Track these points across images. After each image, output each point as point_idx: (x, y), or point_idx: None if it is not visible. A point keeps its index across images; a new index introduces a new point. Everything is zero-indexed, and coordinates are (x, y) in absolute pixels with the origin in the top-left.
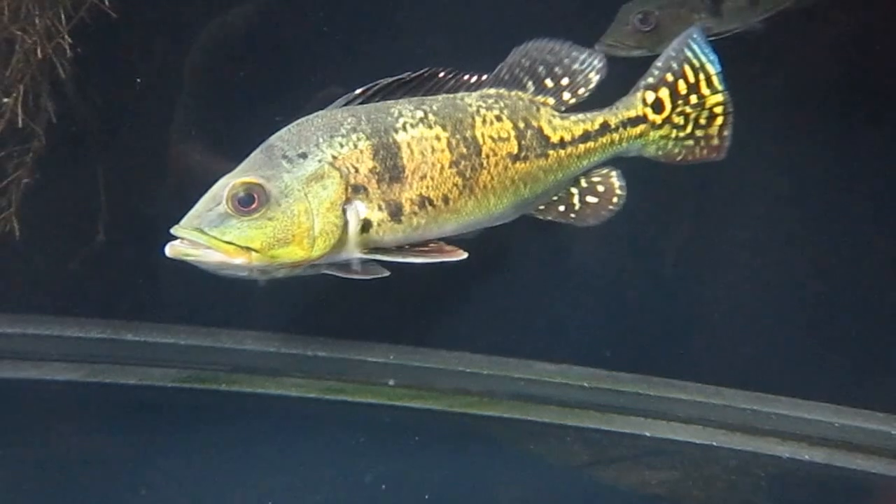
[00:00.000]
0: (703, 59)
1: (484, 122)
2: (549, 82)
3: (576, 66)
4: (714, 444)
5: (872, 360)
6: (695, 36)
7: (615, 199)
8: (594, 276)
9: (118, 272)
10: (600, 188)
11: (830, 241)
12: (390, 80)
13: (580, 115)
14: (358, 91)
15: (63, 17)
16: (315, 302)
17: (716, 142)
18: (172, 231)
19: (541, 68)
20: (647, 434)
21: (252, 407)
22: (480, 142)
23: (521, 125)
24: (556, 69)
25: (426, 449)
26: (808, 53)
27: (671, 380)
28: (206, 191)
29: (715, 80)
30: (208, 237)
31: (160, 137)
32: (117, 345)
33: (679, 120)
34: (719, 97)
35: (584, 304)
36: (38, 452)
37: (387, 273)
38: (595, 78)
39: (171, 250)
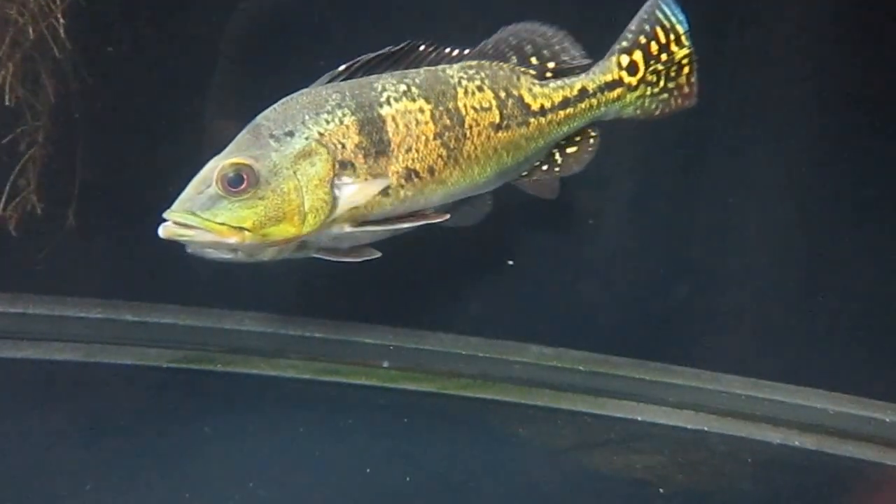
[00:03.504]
0: (674, 19)
1: (466, 92)
2: (534, 60)
3: (565, 56)
4: (706, 429)
5: (869, 347)
6: None
7: (591, 142)
8: (592, 261)
9: (119, 252)
10: (576, 137)
11: (825, 229)
12: (372, 55)
13: (559, 82)
14: (341, 67)
15: None
16: (313, 283)
17: (686, 90)
18: (165, 215)
19: (528, 47)
20: (639, 419)
21: (246, 387)
22: (463, 113)
23: (503, 94)
24: (545, 52)
25: (415, 431)
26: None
27: (668, 365)
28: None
29: (683, 38)
30: (201, 219)
31: (160, 116)
32: (117, 325)
33: (652, 78)
34: (686, 50)
35: (581, 288)
36: (35, 432)
37: (378, 254)
38: (580, 69)
39: (164, 231)
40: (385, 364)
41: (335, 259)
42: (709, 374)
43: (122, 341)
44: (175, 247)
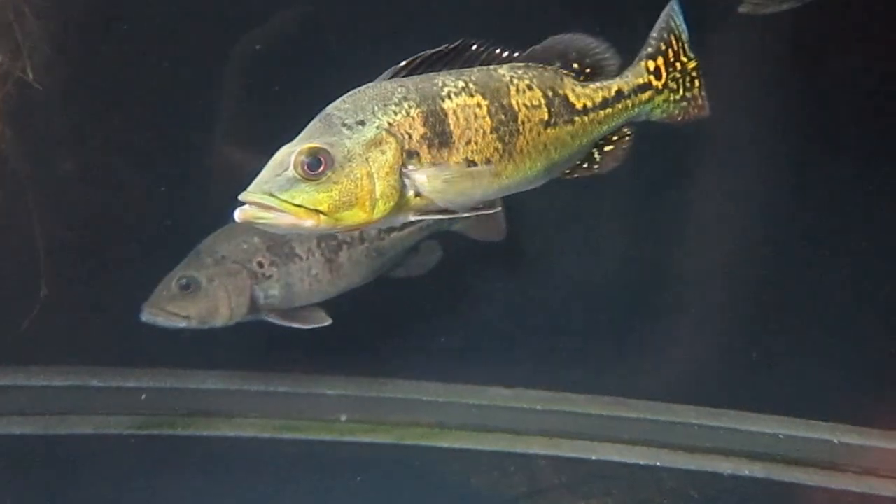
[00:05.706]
0: (681, 29)
1: (517, 90)
2: (575, 65)
3: (604, 60)
4: (658, 464)
5: (819, 369)
6: (675, 8)
7: (626, 139)
8: (543, 298)
9: (81, 318)
10: (613, 136)
11: (772, 257)
12: (430, 52)
13: (597, 84)
14: (403, 63)
15: None
16: (274, 336)
17: (700, 101)
18: (241, 197)
19: (573, 54)
20: (593, 458)
21: (207, 450)
22: (516, 109)
23: (550, 93)
24: (587, 59)
25: (371, 487)
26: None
27: (622, 398)
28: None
29: (686, 47)
30: (279, 201)
31: (112, 188)
32: (78, 392)
33: (673, 84)
34: (693, 63)
35: (536, 326)
36: None
37: (329, 321)
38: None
39: (241, 215)
40: (343, 418)
41: (286, 324)
42: (663, 406)
43: (82, 410)
44: (133, 310)
